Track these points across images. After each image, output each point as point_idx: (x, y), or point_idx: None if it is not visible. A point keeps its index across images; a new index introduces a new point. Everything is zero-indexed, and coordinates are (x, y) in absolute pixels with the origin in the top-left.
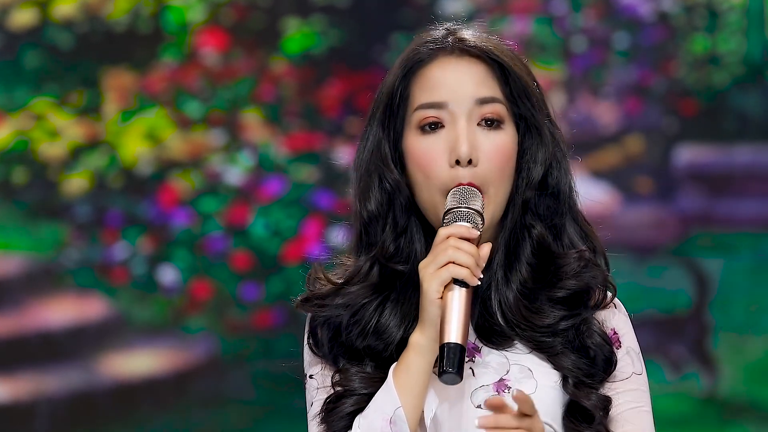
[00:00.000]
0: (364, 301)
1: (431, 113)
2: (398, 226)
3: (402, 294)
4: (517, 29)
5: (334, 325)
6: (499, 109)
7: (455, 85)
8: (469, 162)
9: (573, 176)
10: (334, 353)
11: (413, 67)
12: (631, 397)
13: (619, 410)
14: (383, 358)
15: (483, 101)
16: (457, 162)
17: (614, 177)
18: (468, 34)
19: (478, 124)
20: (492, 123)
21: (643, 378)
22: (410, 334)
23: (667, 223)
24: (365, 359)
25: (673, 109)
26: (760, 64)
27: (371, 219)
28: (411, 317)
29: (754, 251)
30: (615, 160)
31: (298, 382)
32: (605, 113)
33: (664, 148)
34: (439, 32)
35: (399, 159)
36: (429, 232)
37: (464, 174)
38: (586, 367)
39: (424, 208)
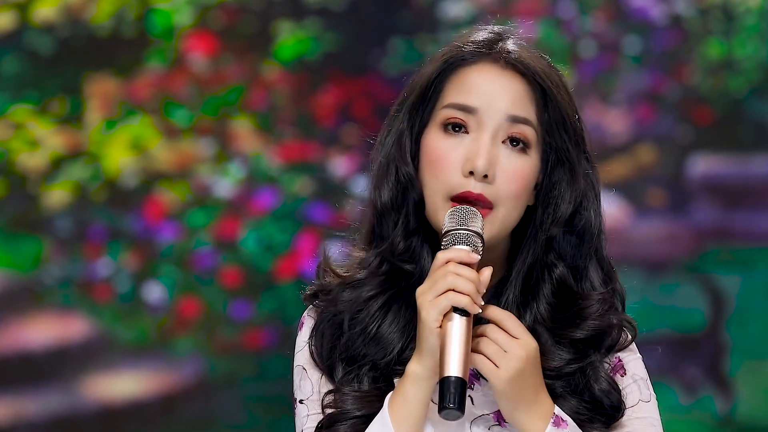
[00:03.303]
0: (369, 294)
1: (459, 114)
2: (410, 223)
3: (407, 300)
4: (523, 33)
5: (337, 324)
6: (528, 133)
7: (490, 95)
8: (484, 177)
9: (603, 219)
10: (333, 358)
11: (453, 63)
12: (639, 426)
13: None
14: (381, 370)
15: (515, 119)
16: (471, 173)
17: (625, 189)
18: (517, 45)
19: (503, 142)
20: (518, 144)
21: (652, 405)
22: (410, 348)
23: (680, 237)
24: (363, 367)
25: (686, 117)
26: None
27: (384, 211)
28: (412, 329)
29: None
30: (626, 170)
31: (291, 405)
32: (615, 121)
33: (677, 158)
34: (488, 34)
35: (417, 153)
36: (432, 239)
37: (475, 186)
38: (588, 412)
39: (427, 210)
